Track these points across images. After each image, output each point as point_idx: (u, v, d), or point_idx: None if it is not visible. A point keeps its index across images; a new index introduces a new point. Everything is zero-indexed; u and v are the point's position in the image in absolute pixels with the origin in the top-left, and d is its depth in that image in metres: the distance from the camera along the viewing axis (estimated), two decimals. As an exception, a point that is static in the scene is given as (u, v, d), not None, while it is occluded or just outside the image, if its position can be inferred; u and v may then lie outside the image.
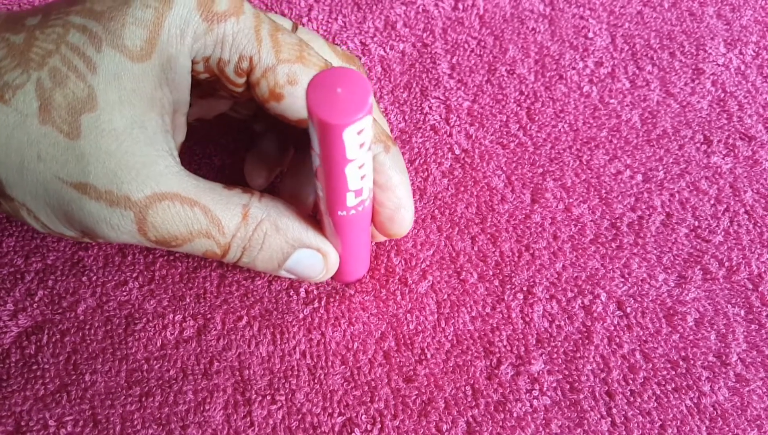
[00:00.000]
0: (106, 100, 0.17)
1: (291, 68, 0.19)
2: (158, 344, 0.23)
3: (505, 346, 0.23)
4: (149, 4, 0.18)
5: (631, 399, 0.22)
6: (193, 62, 0.19)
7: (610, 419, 0.22)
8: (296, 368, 0.23)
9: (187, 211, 0.18)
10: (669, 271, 0.25)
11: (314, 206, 0.23)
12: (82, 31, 0.18)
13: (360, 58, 0.30)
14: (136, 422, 0.22)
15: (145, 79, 0.18)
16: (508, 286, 0.25)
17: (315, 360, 0.23)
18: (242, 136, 0.28)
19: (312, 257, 0.20)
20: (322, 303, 0.24)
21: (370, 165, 0.17)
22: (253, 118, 0.26)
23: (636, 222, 0.26)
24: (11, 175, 0.18)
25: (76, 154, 0.17)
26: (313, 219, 0.21)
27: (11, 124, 0.17)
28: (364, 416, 0.22)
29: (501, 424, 0.22)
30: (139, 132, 0.18)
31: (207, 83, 0.21)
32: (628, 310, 0.24)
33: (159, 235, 0.18)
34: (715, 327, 0.24)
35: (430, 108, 0.29)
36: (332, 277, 0.24)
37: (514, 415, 0.22)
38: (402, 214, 0.21)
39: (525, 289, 0.25)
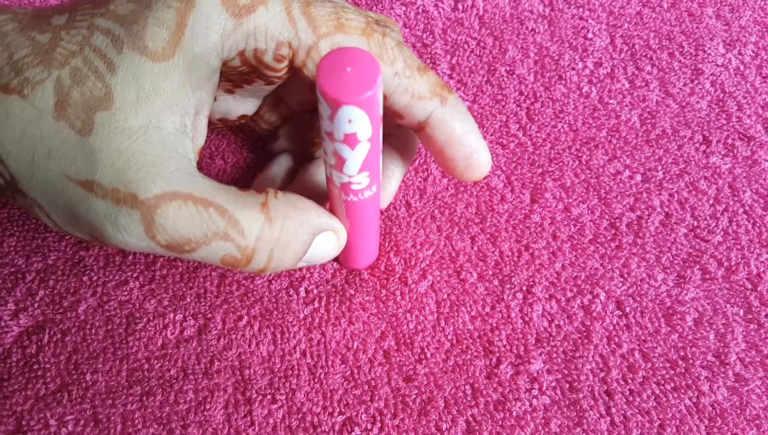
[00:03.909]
0: (122, 99, 0.17)
1: (333, 40, 0.18)
2: (159, 344, 0.23)
3: (504, 346, 0.23)
4: (171, 4, 0.18)
5: (630, 398, 0.22)
6: (228, 59, 0.19)
7: (609, 418, 0.22)
8: (296, 368, 0.23)
9: (201, 212, 0.17)
10: (668, 271, 0.25)
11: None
12: (106, 34, 0.18)
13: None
14: (137, 421, 0.22)
15: (166, 79, 0.17)
16: (508, 286, 0.25)
17: (315, 359, 0.23)
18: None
19: (327, 240, 0.20)
20: (322, 303, 0.24)
21: (374, 152, 0.18)
22: (271, 136, 0.25)
23: (635, 222, 0.26)
24: (23, 171, 0.18)
25: (85, 150, 0.17)
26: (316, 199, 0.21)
27: (27, 119, 0.17)
28: (364, 415, 0.22)
29: (500, 423, 0.22)
30: (154, 132, 0.17)
31: (243, 74, 0.20)
32: (627, 309, 0.24)
33: (170, 238, 0.17)
34: (714, 327, 0.24)
35: (430, 108, 0.29)
36: (344, 265, 0.24)
37: (514, 414, 0.22)
38: (475, 158, 0.20)
39: (524, 288, 0.25)
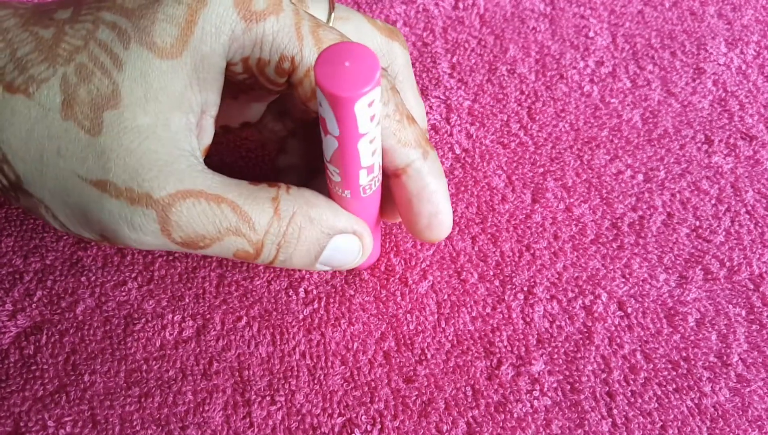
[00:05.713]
0: (130, 97, 0.17)
1: None
2: (157, 344, 0.23)
3: (505, 347, 0.23)
4: (182, 1, 0.17)
5: (632, 399, 0.22)
6: (231, 63, 0.19)
7: (610, 420, 0.22)
8: (296, 369, 0.23)
9: (214, 209, 0.18)
10: (670, 272, 0.25)
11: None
12: (112, 28, 0.17)
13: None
14: (135, 423, 0.22)
15: (174, 77, 0.17)
16: (509, 286, 0.24)
17: (315, 360, 0.23)
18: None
19: (347, 242, 0.20)
20: (322, 303, 0.24)
21: (379, 141, 0.18)
22: (279, 150, 0.25)
23: (637, 222, 0.26)
24: (30, 171, 0.17)
25: (96, 150, 0.17)
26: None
27: (33, 118, 0.17)
28: (364, 417, 0.22)
29: (501, 424, 0.22)
30: (163, 130, 0.17)
31: (243, 83, 0.20)
32: (629, 310, 0.24)
33: (185, 235, 0.18)
34: (716, 327, 0.24)
35: (431, 107, 0.29)
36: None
37: (515, 415, 0.22)
38: (439, 219, 0.20)
39: (525, 289, 0.24)
